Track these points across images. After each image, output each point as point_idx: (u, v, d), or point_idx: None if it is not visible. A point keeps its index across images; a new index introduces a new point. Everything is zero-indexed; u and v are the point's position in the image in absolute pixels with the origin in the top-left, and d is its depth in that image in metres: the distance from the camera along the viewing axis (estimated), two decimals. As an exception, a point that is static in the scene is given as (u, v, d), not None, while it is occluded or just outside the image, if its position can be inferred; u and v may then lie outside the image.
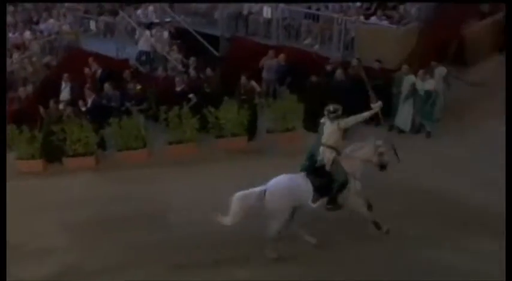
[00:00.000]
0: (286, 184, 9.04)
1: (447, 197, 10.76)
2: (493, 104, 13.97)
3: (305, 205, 9.04)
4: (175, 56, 15.57)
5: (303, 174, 9.20)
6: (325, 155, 9.10)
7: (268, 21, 15.73)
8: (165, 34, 16.52)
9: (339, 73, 13.36)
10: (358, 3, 15.48)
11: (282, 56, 14.63)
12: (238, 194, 9.05)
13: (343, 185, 9.05)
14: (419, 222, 10.06)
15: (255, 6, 16.29)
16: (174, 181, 11.80)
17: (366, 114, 9.43)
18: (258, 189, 9.05)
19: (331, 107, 9.30)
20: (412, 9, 14.91)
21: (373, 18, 14.80)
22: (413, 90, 13.23)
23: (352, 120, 9.28)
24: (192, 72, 14.57)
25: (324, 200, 9.08)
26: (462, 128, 13.41)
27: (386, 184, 10.45)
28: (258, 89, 13.78)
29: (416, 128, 13.51)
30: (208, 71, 14.13)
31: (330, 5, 15.57)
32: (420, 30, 14.51)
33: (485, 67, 16.08)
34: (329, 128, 9.20)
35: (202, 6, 17.25)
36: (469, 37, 16.22)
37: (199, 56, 15.33)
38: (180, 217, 10.50)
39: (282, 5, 15.64)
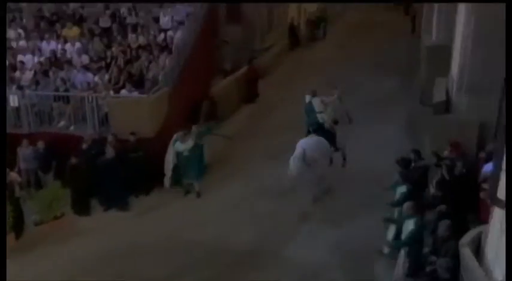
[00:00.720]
0: (315, 140, 12.88)
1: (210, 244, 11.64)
2: (247, 149, 15.63)
3: (327, 149, 13.13)
4: None
5: (314, 134, 13.10)
6: (323, 118, 13.49)
7: (17, 109, 15.13)
8: None
9: (109, 151, 13.33)
10: (106, 77, 15.66)
11: (40, 143, 14.19)
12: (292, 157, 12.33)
13: (335, 135, 13.57)
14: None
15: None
16: None
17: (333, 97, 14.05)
18: (298, 150, 12.33)
19: (311, 89, 14.26)
20: (159, 76, 15.44)
21: (123, 91, 15.01)
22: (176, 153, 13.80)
23: (325, 98, 13.94)
24: None
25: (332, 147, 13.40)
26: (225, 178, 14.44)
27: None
28: (18, 179, 13.14)
29: (186, 190, 13.98)
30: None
31: (79, 84, 15.53)
32: (170, 95, 15.07)
33: (235, 120, 17.42)
34: (317, 102, 13.73)
35: None
36: (217, 95, 17.41)
37: None
38: None
39: (28, 91, 15.22)
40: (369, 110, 16.59)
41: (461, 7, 13.13)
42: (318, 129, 13.34)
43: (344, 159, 14.03)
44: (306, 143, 12.63)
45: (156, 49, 16.35)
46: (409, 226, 9.60)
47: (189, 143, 13.82)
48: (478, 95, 11.76)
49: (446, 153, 11.68)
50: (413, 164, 11.81)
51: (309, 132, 13.38)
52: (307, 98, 14.13)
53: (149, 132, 14.06)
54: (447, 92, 13.82)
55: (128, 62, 16.09)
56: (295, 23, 27.48)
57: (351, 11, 35.12)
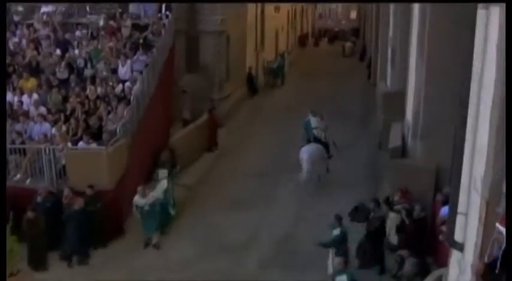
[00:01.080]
0: (315, 146, 16.44)
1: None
2: (207, 199, 15.61)
3: (324, 155, 16.61)
4: None
5: (313, 142, 16.68)
6: (319, 133, 17.10)
7: (-29, 163, 14.70)
8: None
9: (78, 202, 13.02)
10: (64, 129, 15.43)
11: (-5, 197, 13.81)
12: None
13: (329, 145, 17.01)
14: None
15: None
16: None
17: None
18: (305, 155, 16.09)
19: (311, 109, 18.12)
20: (118, 127, 15.26)
21: (81, 143, 14.74)
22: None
23: (319, 119, 17.68)
24: None
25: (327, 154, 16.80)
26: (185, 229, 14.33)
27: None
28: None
29: (145, 242, 13.75)
30: None
31: (36, 135, 15.24)
32: (129, 146, 14.92)
33: (195, 169, 17.37)
34: (314, 121, 17.42)
35: None
36: (176, 144, 17.37)
37: None
38: None
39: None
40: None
41: (413, 53, 13.56)
42: (315, 139, 16.83)
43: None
44: (309, 149, 16.34)
45: (114, 100, 16.24)
46: None
47: (150, 197, 13.62)
48: (432, 139, 12.04)
49: (396, 198, 11.90)
50: (372, 214, 11.93)
51: (309, 141, 16.80)
52: (309, 115, 17.78)
53: (108, 184, 13.81)
54: (403, 137, 14.11)
55: (86, 113, 15.93)
56: (253, 72, 27.87)
57: (307, 59, 35.87)
